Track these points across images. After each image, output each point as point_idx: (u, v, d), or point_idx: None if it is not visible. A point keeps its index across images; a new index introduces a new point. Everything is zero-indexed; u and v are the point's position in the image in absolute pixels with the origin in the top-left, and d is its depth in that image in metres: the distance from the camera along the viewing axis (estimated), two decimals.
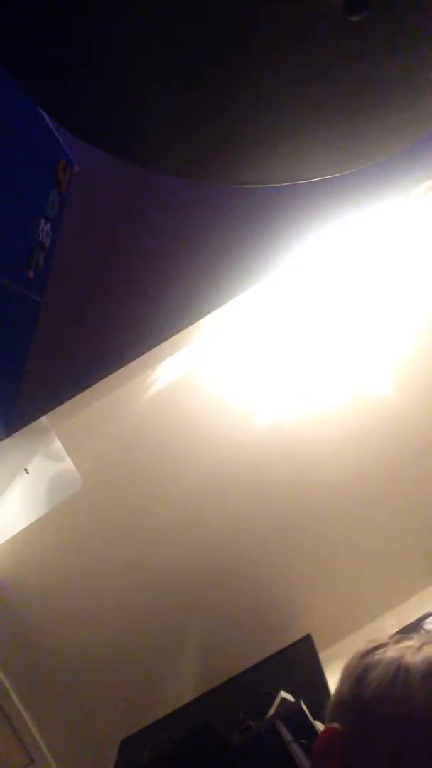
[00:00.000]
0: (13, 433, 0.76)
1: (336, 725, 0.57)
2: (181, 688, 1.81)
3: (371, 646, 0.62)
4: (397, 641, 0.62)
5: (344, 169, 0.56)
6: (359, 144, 0.53)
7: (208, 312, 0.76)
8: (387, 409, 1.73)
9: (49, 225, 0.71)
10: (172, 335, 0.77)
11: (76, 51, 0.46)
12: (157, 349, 0.78)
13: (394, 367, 1.72)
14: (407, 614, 1.73)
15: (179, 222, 0.75)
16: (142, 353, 0.78)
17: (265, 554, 1.80)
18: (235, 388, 1.73)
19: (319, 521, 1.79)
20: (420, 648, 0.58)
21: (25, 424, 0.78)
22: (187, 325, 0.77)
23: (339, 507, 1.79)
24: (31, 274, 0.69)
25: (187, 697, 1.78)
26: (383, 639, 0.63)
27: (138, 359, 0.78)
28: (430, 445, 1.77)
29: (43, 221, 0.69)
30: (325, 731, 0.58)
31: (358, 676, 0.59)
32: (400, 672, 0.56)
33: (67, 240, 0.75)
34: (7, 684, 1.85)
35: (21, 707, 1.84)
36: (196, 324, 0.78)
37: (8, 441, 0.77)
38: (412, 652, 0.58)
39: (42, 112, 0.66)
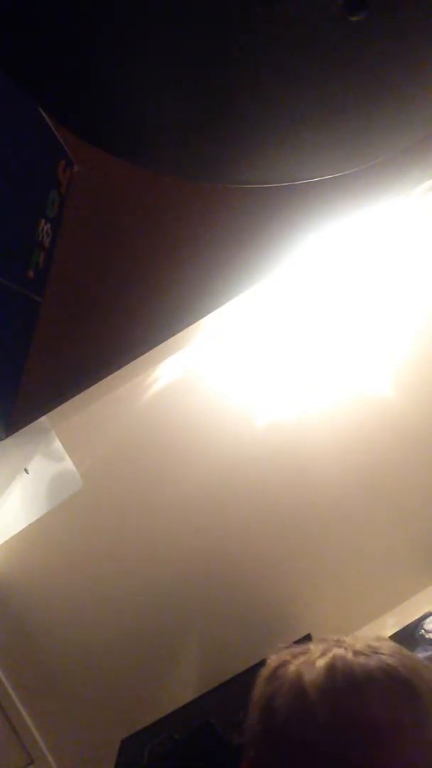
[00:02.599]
0: (13, 433, 0.76)
1: (253, 756, 0.56)
2: (181, 688, 1.81)
3: (273, 666, 0.61)
4: (296, 655, 0.59)
5: (344, 169, 0.56)
6: (359, 144, 0.53)
7: (208, 312, 0.76)
8: (387, 409, 1.73)
9: (49, 225, 0.71)
10: (172, 335, 0.77)
11: (77, 51, 0.46)
12: (157, 349, 0.78)
13: (394, 367, 1.72)
14: (407, 614, 1.73)
15: (179, 222, 0.75)
16: (142, 353, 0.78)
17: (265, 554, 1.80)
18: (235, 388, 1.73)
19: (319, 521, 1.79)
20: (314, 663, 0.56)
21: (25, 424, 0.77)
22: (187, 325, 0.77)
23: (339, 507, 1.79)
24: (31, 274, 0.69)
25: (187, 697, 1.78)
26: (284, 655, 0.61)
27: (138, 359, 0.78)
28: (430, 445, 1.77)
29: (43, 221, 0.69)
30: (244, 765, 0.57)
31: (264, 705, 0.57)
32: (299, 695, 0.54)
33: (67, 240, 0.75)
34: (7, 684, 1.85)
35: (21, 707, 1.84)
36: (196, 324, 0.77)
37: (8, 441, 0.77)
38: (309, 670, 0.56)
39: (42, 112, 0.66)
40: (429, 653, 1.68)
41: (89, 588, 1.84)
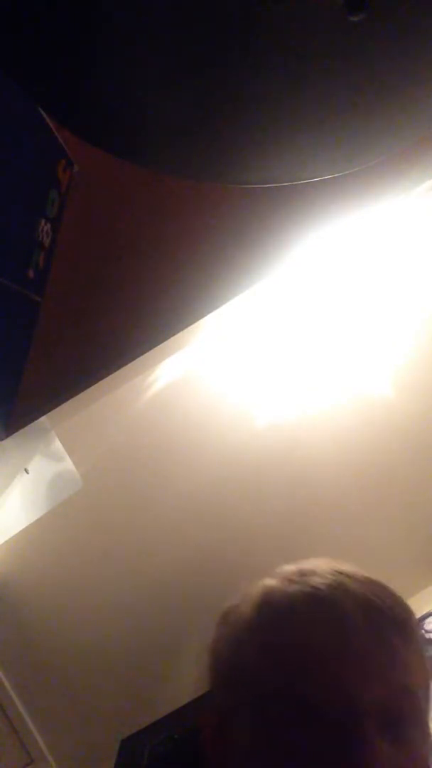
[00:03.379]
0: (13, 433, 0.76)
1: (213, 708, 0.52)
2: (181, 688, 1.81)
3: (224, 610, 0.56)
4: (244, 594, 0.55)
5: (344, 169, 0.56)
6: (359, 144, 0.53)
7: (208, 312, 0.76)
8: (387, 409, 1.73)
9: (49, 225, 0.71)
10: (172, 335, 0.77)
11: (77, 50, 0.46)
12: (157, 349, 0.78)
13: (394, 367, 1.72)
14: None
15: (179, 222, 0.75)
16: (142, 353, 0.78)
17: (264, 554, 1.80)
18: (235, 388, 1.73)
19: (319, 521, 1.79)
20: (249, 601, 0.52)
21: (25, 424, 0.77)
22: (187, 325, 0.77)
23: (339, 507, 1.79)
24: (31, 274, 0.69)
25: (187, 697, 1.78)
26: (236, 597, 0.57)
27: (138, 359, 0.78)
28: (430, 445, 1.77)
29: (43, 221, 0.69)
30: (204, 721, 0.53)
31: (210, 651, 0.54)
32: (234, 637, 0.51)
33: (67, 240, 0.75)
34: (7, 684, 1.85)
35: (21, 707, 1.84)
36: (196, 324, 0.77)
37: (8, 441, 0.77)
38: (243, 609, 0.52)
39: (42, 112, 0.66)
40: (429, 653, 1.67)
41: (89, 588, 1.84)
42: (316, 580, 0.50)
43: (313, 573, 0.52)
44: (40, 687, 1.86)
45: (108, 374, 0.78)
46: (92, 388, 0.79)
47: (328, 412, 1.74)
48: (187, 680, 1.83)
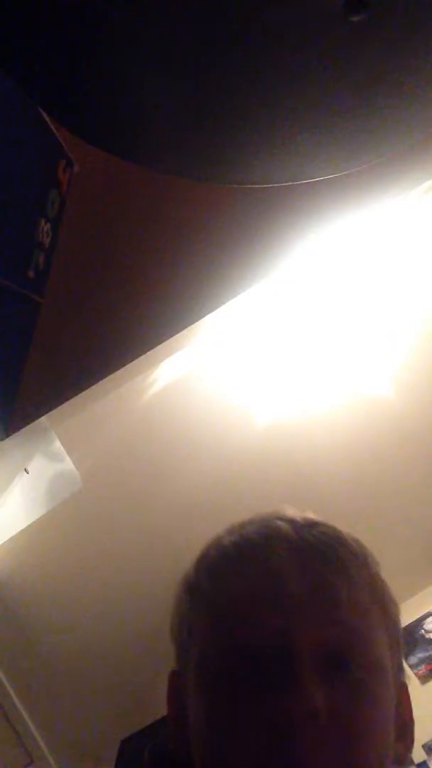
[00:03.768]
0: (13, 433, 0.76)
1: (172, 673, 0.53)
2: None
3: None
4: None
5: (344, 168, 0.56)
6: (359, 143, 0.53)
7: (208, 312, 0.76)
8: (387, 409, 1.73)
9: (49, 225, 0.71)
10: (172, 335, 0.77)
11: (77, 50, 0.46)
12: (157, 349, 0.78)
13: (394, 367, 1.72)
14: (407, 614, 1.73)
15: (179, 222, 0.75)
16: (142, 353, 0.78)
17: None
18: (235, 388, 1.73)
19: None
20: (197, 558, 0.53)
21: (25, 424, 0.78)
22: (187, 325, 0.77)
23: (338, 507, 1.79)
24: (31, 274, 0.69)
25: None
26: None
27: (138, 359, 0.78)
28: (430, 446, 1.77)
29: (43, 221, 0.69)
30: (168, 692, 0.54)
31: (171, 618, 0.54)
32: (182, 596, 0.53)
33: (67, 240, 0.75)
34: (7, 684, 1.85)
35: (21, 707, 1.84)
36: (196, 324, 0.78)
37: (8, 441, 0.77)
38: (191, 565, 0.53)
39: (42, 111, 0.66)
40: (429, 653, 1.68)
41: (89, 588, 1.84)
42: (249, 529, 0.50)
43: (250, 523, 0.51)
44: (40, 687, 1.86)
45: (108, 374, 0.78)
46: (92, 388, 0.79)
47: (328, 412, 1.74)
48: None
